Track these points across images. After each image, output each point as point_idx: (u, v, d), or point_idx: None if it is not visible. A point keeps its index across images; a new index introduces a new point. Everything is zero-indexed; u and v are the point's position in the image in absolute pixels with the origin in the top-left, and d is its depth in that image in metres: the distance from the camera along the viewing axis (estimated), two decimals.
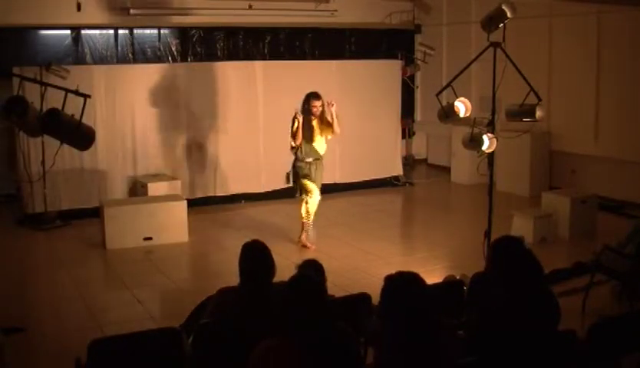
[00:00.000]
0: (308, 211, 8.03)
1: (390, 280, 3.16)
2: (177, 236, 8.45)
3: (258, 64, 10.95)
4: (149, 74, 10.11)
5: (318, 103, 7.79)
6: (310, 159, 7.92)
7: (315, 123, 7.85)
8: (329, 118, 7.81)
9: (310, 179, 7.95)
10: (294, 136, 7.85)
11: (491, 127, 6.33)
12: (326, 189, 10.96)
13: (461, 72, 6.61)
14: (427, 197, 11.58)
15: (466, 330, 4.06)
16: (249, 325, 3.50)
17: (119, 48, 10.88)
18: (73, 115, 6.15)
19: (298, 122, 7.76)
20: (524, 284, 3.66)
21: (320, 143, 7.96)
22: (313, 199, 7.99)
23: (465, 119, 6.47)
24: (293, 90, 10.64)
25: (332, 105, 7.76)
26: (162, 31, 11.21)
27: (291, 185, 8.12)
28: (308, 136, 7.86)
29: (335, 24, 12.48)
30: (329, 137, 8.00)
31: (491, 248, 3.89)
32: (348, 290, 6.39)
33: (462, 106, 6.28)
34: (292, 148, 7.96)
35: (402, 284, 3.13)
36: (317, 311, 3.08)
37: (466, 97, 6.35)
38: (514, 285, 3.65)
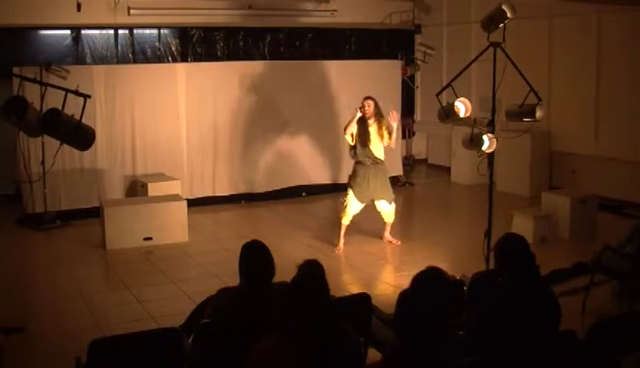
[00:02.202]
0: (344, 212, 8.04)
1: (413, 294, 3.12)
2: (177, 236, 8.44)
3: (258, 64, 10.96)
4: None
5: (366, 103, 7.79)
6: (368, 162, 7.87)
7: (372, 127, 7.82)
8: (385, 129, 7.81)
9: (361, 189, 7.89)
10: (345, 127, 7.91)
11: (491, 127, 6.32)
12: (326, 190, 11.06)
13: (461, 72, 6.61)
14: (427, 197, 11.59)
15: (466, 330, 4.06)
16: (249, 325, 3.49)
17: (119, 48, 10.89)
18: (73, 115, 6.16)
19: (354, 117, 7.76)
20: (526, 281, 3.66)
21: (377, 147, 7.88)
22: (349, 208, 7.98)
23: (465, 119, 6.46)
24: (293, 91, 10.74)
25: (395, 119, 7.86)
26: (162, 31, 11.22)
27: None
28: (364, 139, 7.83)
29: (335, 24, 12.48)
30: (385, 144, 7.95)
31: (496, 245, 3.88)
32: (348, 290, 6.40)
33: (462, 106, 6.27)
34: (350, 149, 8.01)
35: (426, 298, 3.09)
36: (321, 310, 3.08)
37: (466, 97, 6.34)
38: (516, 283, 3.66)
